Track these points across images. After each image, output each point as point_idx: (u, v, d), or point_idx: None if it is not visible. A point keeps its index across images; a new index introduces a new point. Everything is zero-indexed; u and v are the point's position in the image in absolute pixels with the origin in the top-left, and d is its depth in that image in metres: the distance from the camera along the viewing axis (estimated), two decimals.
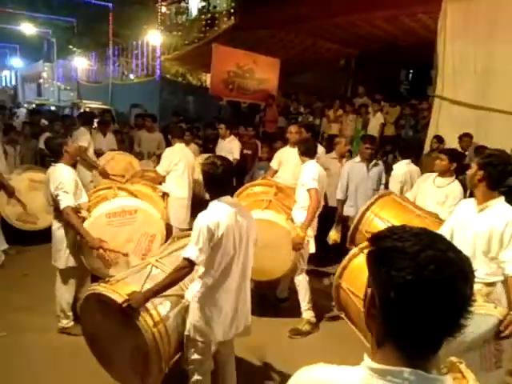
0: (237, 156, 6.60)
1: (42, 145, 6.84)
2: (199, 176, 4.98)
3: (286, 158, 5.23)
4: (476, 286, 2.48)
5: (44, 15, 25.74)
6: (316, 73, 12.24)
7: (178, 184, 5.32)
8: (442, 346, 0.86)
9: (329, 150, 6.19)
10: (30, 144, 6.97)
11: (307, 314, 4.01)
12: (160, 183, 5.35)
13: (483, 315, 2.24)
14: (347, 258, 3.08)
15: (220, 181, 2.54)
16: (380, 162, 5.24)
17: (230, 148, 6.63)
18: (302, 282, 4.02)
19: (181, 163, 5.29)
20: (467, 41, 6.36)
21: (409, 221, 3.75)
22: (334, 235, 4.88)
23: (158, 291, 2.44)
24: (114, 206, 3.80)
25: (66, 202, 3.48)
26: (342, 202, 5.04)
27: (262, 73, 10.37)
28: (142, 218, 3.85)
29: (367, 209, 3.99)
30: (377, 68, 11.19)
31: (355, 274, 2.95)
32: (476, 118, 6.39)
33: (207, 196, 6.62)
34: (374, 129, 8.82)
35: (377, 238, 0.91)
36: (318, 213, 4.11)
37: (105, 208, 3.77)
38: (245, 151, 7.16)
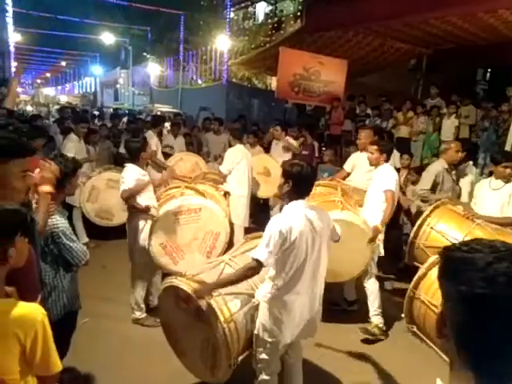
0: (289, 157, 6.66)
1: (121, 146, 7.36)
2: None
3: (360, 161, 5.15)
4: None
5: (122, 25, 27.56)
6: (384, 74, 11.85)
7: (240, 183, 5.52)
8: None
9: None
10: (105, 144, 7.49)
11: (376, 319, 3.92)
12: (221, 183, 5.55)
13: None
14: (425, 266, 2.87)
15: (304, 182, 2.57)
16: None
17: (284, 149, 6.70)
18: (372, 286, 3.96)
19: (242, 162, 5.51)
20: None
21: (470, 232, 3.55)
22: None
23: (224, 284, 2.54)
24: (180, 204, 3.97)
25: (124, 186, 3.74)
26: None
27: (328, 75, 10.25)
28: (206, 216, 3.99)
29: (423, 222, 3.81)
30: (451, 67, 10.58)
31: (437, 285, 2.74)
32: None
33: (260, 193, 6.76)
34: (448, 131, 8.36)
35: (447, 250, 0.86)
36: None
37: (172, 206, 3.96)
38: (303, 152, 7.22)
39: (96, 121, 10.96)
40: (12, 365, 1.47)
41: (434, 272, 2.78)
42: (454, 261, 0.82)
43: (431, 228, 3.76)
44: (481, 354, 0.76)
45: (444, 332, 0.83)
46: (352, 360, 3.57)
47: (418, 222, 3.83)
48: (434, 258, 2.91)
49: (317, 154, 7.55)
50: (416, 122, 8.74)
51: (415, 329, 2.84)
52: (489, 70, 13.29)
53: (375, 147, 4.02)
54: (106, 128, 8.68)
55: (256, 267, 2.42)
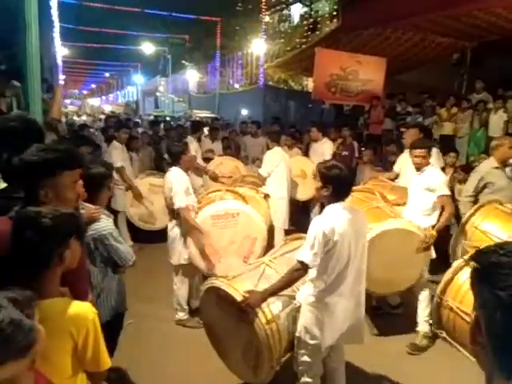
0: (328, 158, 6.57)
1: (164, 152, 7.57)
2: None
3: (406, 162, 5.02)
4: None
5: (161, 34, 28.41)
6: (425, 70, 11.47)
7: (279, 185, 5.55)
8: None
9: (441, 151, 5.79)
10: (146, 151, 7.72)
11: (424, 326, 3.78)
12: (260, 186, 5.58)
13: None
14: (451, 271, 2.76)
15: (343, 184, 2.55)
16: None
17: (322, 150, 6.64)
18: (424, 291, 3.81)
19: (281, 165, 5.55)
20: None
21: None
22: None
23: (274, 292, 2.54)
24: (219, 208, 4.01)
25: (179, 202, 3.81)
26: None
27: (366, 73, 10.06)
28: (244, 220, 3.99)
29: (467, 221, 3.67)
30: (497, 61, 10.06)
31: (465, 289, 2.61)
32: None
33: (298, 196, 6.72)
34: (496, 127, 7.97)
35: (481, 254, 0.82)
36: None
37: (210, 210, 4.01)
38: (343, 153, 7.11)
39: (138, 129, 11.34)
40: (65, 360, 1.55)
41: (461, 277, 2.68)
42: (490, 265, 0.77)
43: (475, 227, 3.61)
44: None
45: (479, 340, 0.79)
46: (397, 366, 3.46)
47: (462, 221, 3.69)
48: (459, 261, 2.80)
49: (357, 154, 7.44)
50: (461, 117, 8.40)
51: (444, 334, 2.76)
52: None
53: (418, 151, 3.81)
54: (147, 135, 8.95)
55: (301, 269, 2.42)
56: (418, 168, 3.83)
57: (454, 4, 7.72)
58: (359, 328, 2.65)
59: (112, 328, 2.68)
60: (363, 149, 7.37)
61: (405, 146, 5.12)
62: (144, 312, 4.06)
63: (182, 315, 4.09)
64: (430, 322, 3.72)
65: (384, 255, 3.33)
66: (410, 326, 3.90)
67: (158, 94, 34.12)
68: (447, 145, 7.40)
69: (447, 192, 3.76)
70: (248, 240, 4.00)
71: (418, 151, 3.81)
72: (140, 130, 10.87)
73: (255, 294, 2.53)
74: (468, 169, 5.33)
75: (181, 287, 4.11)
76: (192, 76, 28.29)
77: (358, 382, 3.15)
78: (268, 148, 5.95)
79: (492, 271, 0.76)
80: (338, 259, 2.43)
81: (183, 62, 29.41)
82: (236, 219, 3.98)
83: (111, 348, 2.71)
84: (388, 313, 4.31)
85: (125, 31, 26.22)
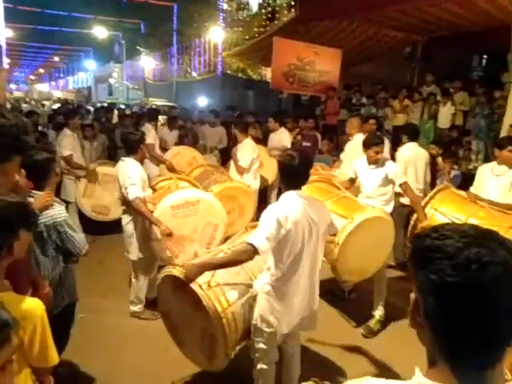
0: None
1: (118, 141, 7.31)
2: None
3: (352, 150, 5.17)
4: None
5: (113, 18, 27.31)
6: (379, 63, 11.79)
7: (255, 177, 5.61)
8: (503, 357, 0.75)
9: (394, 142, 5.98)
10: (100, 139, 7.43)
11: (380, 311, 3.92)
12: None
13: None
14: None
15: (297, 173, 2.55)
16: None
17: (279, 140, 6.69)
18: (384, 274, 3.94)
19: (257, 157, 5.64)
20: None
21: (473, 213, 3.57)
22: None
23: (213, 266, 2.50)
24: (178, 198, 3.94)
25: (134, 193, 3.68)
26: None
27: (323, 64, 10.19)
28: (204, 208, 3.97)
29: (426, 204, 3.83)
30: (446, 54, 10.52)
31: None
32: None
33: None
34: (444, 119, 8.34)
35: (417, 238, 0.83)
36: None
37: (169, 201, 3.92)
38: (304, 143, 7.15)
39: (90, 116, 10.87)
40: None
41: None
42: (424, 248, 0.78)
43: (435, 209, 3.78)
44: (455, 343, 0.75)
45: (418, 320, 0.81)
46: (351, 349, 3.58)
47: (421, 205, 3.85)
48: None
49: (320, 146, 7.47)
50: (412, 109, 8.71)
51: None
52: (484, 56, 13.22)
53: (377, 147, 3.90)
54: (98, 123, 8.61)
55: (249, 251, 2.35)
56: (376, 162, 3.94)
57: None
58: (313, 315, 2.69)
59: (63, 320, 2.61)
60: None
61: (348, 134, 5.33)
62: (98, 305, 3.94)
63: (137, 308, 3.99)
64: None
65: (362, 244, 3.40)
66: (363, 310, 4.03)
67: (111, 80, 32.88)
68: (400, 136, 7.66)
69: (405, 178, 4.00)
70: (210, 227, 4.00)
71: (377, 147, 3.91)
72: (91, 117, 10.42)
73: (189, 265, 2.52)
74: None
75: (140, 281, 4.00)
76: (148, 63, 27.46)
77: (313, 366, 3.21)
78: (236, 139, 5.93)
79: (426, 255, 0.77)
80: (292, 247, 2.44)
81: (138, 47, 28.47)
82: (196, 207, 3.94)
83: (63, 342, 2.62)
84: (342, 298, 4.43)
85: (73, 13, 24.95)
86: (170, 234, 3.67)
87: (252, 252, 2.35)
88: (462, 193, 4.01)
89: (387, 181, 3.93)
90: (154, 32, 26.32)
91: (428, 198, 3.91)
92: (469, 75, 12.18)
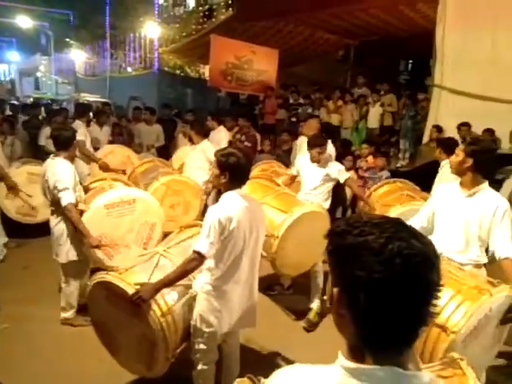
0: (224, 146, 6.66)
1: (42, 138, 6.85)
2: None
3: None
4: (466, 268, 2.50)
5: (40, 8, 25.55)
6: (315, 64, 12.17)
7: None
8: (417, 338, 0.81)
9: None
10: (21, 136, 6.92)
11: (317, 302, 4.05)
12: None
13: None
14: None
15: (240, 172, 2.51)
16: None
17: (218, 139, 6.66)
18: (321, 269, 4.04)
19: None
20: (468, 29, 6.30)
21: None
22: None
23: (168, 283, 2.44)
24: (112, 196, 3.78)
25: (67, 198, 3.47)
26: None
27: (260, 64, 10.29)
28: (141, 207, 3.85)
29: (369, 195, 4.62)
30: (376, 58, 11.12)
31: None
32: (476, 107, 6.36)
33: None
34: (373, 119, 8.80)
35: (335, 235, 0.83)
36: None
37: (103, 200, 3.75)
38: (245, 143, 7.15)
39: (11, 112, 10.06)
40: None
41: None
42: (348, 246, 0.80)
43: (377, 201, 4.57)
44: (378, 329, 0.78)
45: (341, 312, 0.83)
46: (292, 344, 3.62)
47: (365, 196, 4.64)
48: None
49: (259, 147, 7.51)
50: (345, 110, 9.08)
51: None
52: (410, 61, 14.15)
53: (319, 148, 4.06)
54: (19, 118, 8.03)
55: (198, 259, 2.36)
56: (318, 161, 4.11)
57: (336, 3, 8.28)
58: (252, 312, 2.70)
59: None
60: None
61: (302, 134, 5.60)
62: (24, 314, 3.67)
63: (68, 314, 3.76)
64: (323, 297, 4.00)
65: (300, 238, 3.49)
66: (301, 304, 4.12)
67: (38, 74, 30.71)
68: (334, 135, 7.94)
69: (349, 174, 4.39)
70: (146, 226, 3.88)
71: (320, 148, 4.08)
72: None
73: (148, 286, 2.42)
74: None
75: (71, 285, 3.76)
76: (78, 56, 25.99)
77: (253, 365, 3.22)
78: (191, 141, 5.84)
79: (351, 252, 0.79)
80: (233, 247, 2.43)
81: (68, 40, 26.87)
82: (132, 206, 3.80)
83: None
84: (280, 294, 4.50)
85: None
86: (96, 247, 3.51)
87: (199, 259, 2.36)
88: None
89: (328, 179, 4.15)
90: (86, 24, 24.96)
91: (372, 189, 4.62)
92: (396, 79, 12.98)
